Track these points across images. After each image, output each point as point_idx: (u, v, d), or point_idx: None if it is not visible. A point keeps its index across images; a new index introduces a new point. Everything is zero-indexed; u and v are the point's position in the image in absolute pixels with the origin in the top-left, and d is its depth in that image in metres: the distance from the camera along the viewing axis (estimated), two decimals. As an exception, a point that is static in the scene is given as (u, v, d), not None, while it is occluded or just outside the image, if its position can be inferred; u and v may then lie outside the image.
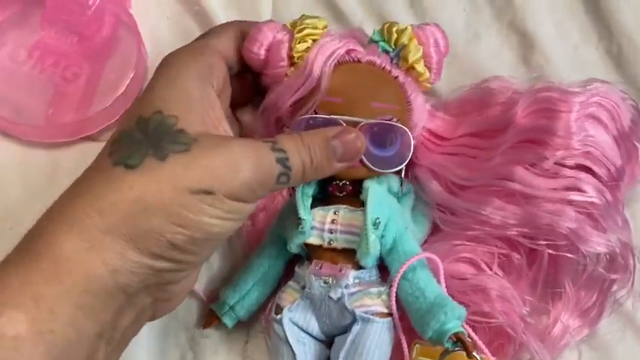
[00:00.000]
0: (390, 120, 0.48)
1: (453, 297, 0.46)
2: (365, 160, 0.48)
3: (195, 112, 0.41)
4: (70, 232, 0.36)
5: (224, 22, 0.61)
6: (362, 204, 0.48)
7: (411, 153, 0.49)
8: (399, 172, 0.50)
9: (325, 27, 0.50)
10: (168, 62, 0.44)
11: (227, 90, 0.48)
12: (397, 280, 0.46)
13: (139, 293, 0.39)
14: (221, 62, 0.46)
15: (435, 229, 0.52)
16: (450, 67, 0.58)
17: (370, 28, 0.59)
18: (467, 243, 0.49)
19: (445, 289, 0.46)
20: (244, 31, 0.49)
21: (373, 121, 0.48)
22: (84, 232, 0.36)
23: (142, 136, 0.39)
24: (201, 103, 0.42)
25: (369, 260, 0.47)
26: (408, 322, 0.46)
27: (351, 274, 0.47)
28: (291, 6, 0.63)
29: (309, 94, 0.48)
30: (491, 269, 0.49)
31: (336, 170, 0.45)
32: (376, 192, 0.48)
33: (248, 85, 0.52)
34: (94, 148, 0.57)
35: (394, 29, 0.50)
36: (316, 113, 0.48)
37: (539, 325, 0.49)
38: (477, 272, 0.49)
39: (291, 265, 0.51)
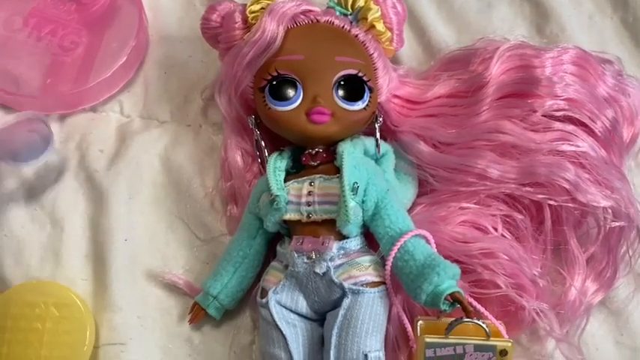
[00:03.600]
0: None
1: (458, 262, 0.45)
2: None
3: None
4: None
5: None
6: (338, 171, 0.46)
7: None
8: (374, 134, 0.49)
9: None
10: None
11: None
12: (391, 259, 0.44)
13: None
14: None
15: (430, 190, 0.50)
16: (462, 36, 0.58)
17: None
18: (467, 205, 0.48)
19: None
20: None
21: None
22: None
23: None
24: None
25: (351, 228, 0.45)
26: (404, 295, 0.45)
27: (335, 246, 0.45)
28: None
29: (265, 53, 0.47)
30: (496, 231, 0.48)
31: None
32: (351, 155, 0.46)
33: None
34: (95, 120, 0.57)
35: None
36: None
37: (551, 288, 0.48)
38: (481, 235, 0.47)
39: (275, 244, 0.49)
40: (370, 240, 0.47)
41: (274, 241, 0.49)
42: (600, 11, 0.59)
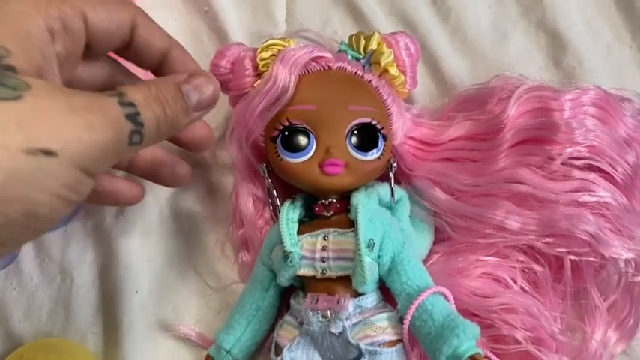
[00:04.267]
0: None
1: (476, 316, 0.44)
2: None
3: (34, 53, 0.34)
4: None
5: (235, 24, 0.58)
6: (352, 223, 0.45)
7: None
8: (388, 179, 0.48)
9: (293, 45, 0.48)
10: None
11: (71, 65, 0.40)
12: (409, 319, 0.42)
13: None
14: (80, 29, 0.38)
15: (446, 238, 0.49)
16: (476, 69, 0.56)
17: (391, 29, 0.56)
18: (485, 258, 0.47)
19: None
20: (136, 26, 0.41)
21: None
22: None
23: None
24: (42, 53, 0.34)
25: (368, 287, 0.44)
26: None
27: (351, 304, 0.44)
28: (306, 6, 0.59)
29: (277, 103, 0.46)
30: (516, 284, 0.47)
31: (192, 121, 0.40)
32: (366, 208, 0.45)
33: (98, 85, 0.44)
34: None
35: (362, 37, 0.48)
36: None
37: (573, 342, 0.47)
38: (500, 289, 0.46)
39: (288, 294, 0.48)
40: (386, 292, 0.46)
41: (287, 291, 0.48)
42: (619, 40, 0.56)
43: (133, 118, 0.34)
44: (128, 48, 0.42)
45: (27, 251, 0.53)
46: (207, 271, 0.53)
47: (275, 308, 0.49)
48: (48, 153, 0.30)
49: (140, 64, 0.44)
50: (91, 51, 0.40)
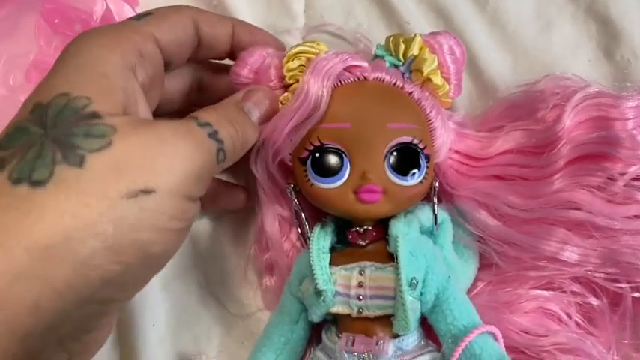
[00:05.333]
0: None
1: (524, 354, 0.40)
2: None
3: (115, 93, 0.33)
4: None
5: (248, 18, 0.53)
6: (391, 256, 0.41)
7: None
8: (430, 201, 0.43)
9: (325, 50, 0.43)
10: (81, 43, 0.35)
11: (157, 87, 0.40)
12: None
13: (50, 350, 0.32)
14: (155, 52, 0.39)
15: (492, 265, 0.44)
16: (518, 63, 0.51)
17: (423, 25, 0.50)
18: (536, 291, 0.43)
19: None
20: (198, 25, 0.42)
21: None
22: None
23: (39, 129, 0.31)
24: (123, 90, 0.34)
25: (410, 328, 0.40)
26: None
27: (391, 347, 0.40)
28: (326, -1, 0.53)
29: (309, 120, 0.41)
30: (570, 319, 0.43)
31: (258, 134, 0.40)
32: (407, 240, 0.40)
33: (186, 89, 0.46)
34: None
35: (401, 40, 0.43)
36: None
37: None
38: (554, 326, 0.42)
39: (320, 325, 0.44)
40: (427, 327, 0.42)
41: (319, 323, 0.44)
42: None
43: (214, 136, 0.35)
44: (199, 48, 0.43)
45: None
46: (228, 298, 0.49)
47: (305, 341, 0.45)
48: (147, 192, 0.30)
49: (215, 56, 0.45)
50: (171, 65, 0.41)
